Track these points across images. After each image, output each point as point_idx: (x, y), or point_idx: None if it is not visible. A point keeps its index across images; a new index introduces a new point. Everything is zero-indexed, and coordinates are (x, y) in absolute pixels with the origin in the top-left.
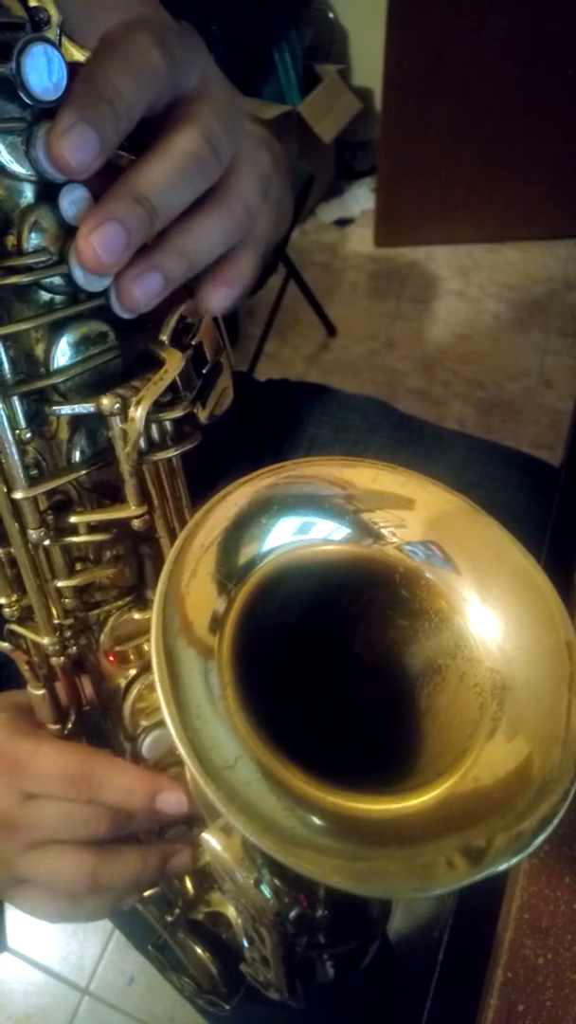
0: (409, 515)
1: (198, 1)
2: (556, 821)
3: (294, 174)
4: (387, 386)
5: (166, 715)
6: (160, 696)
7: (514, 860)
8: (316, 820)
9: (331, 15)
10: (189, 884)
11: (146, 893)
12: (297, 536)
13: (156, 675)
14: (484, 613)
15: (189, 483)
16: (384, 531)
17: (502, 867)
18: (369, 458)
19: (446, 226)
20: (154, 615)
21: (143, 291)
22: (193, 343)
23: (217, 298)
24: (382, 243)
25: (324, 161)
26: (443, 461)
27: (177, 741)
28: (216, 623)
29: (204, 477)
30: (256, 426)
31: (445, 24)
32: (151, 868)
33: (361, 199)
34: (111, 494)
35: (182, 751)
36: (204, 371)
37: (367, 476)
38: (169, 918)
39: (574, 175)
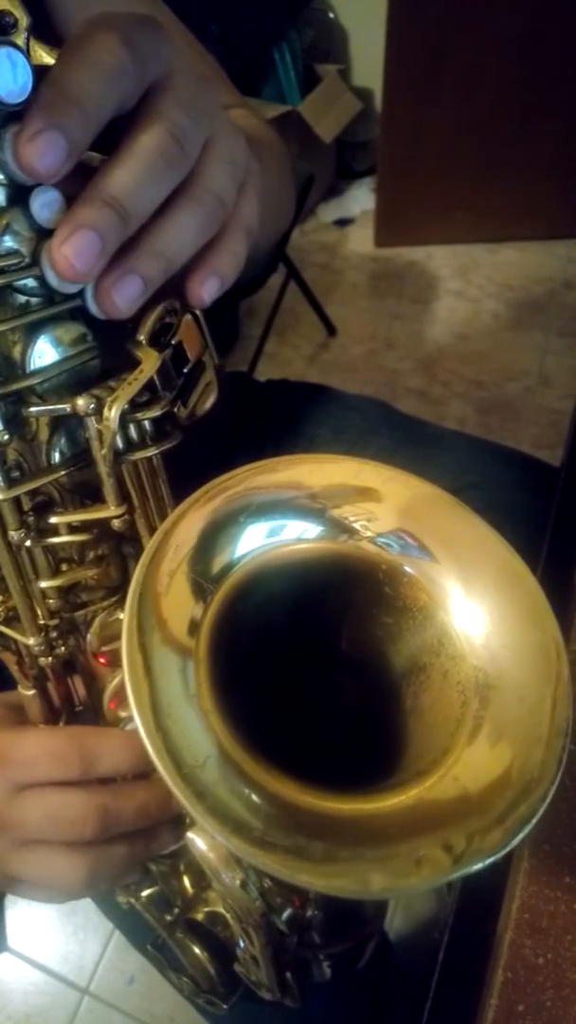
0: (378, 507)
1: (198, 1)
2: (535, 821)
3: (294, 174)
4: (387, 386)
5: (134, 711)
6: (129, 692)
7: (490, 860)
8: (288, 819)
9: (331, 15)
10: (188, 883)
11: (144, 893)
12: (275, 535)
13: (126, 671)
14: (468, 607)
15: (188, 484)
16: (356, 525)
17: (477, 867)
18: (368, 458)
19: (446, 226)
20: (127, 612)
21: (123, 296)
22: (172, 343)
23: (203, 290)
24: (382, 243)
25: (324, 161)
26: (443, 461)
27: (144, 737)
28: (194, 622)
29: (202, 478)
30: (256, 426)
31: (445, 24)
32: (139, 853)
33: (361, 199)
34: (93, 495)
35: (149, 748)
36: (185, 370)
37: (349, 471)
38: (168, 917)
39: (574, 175)
